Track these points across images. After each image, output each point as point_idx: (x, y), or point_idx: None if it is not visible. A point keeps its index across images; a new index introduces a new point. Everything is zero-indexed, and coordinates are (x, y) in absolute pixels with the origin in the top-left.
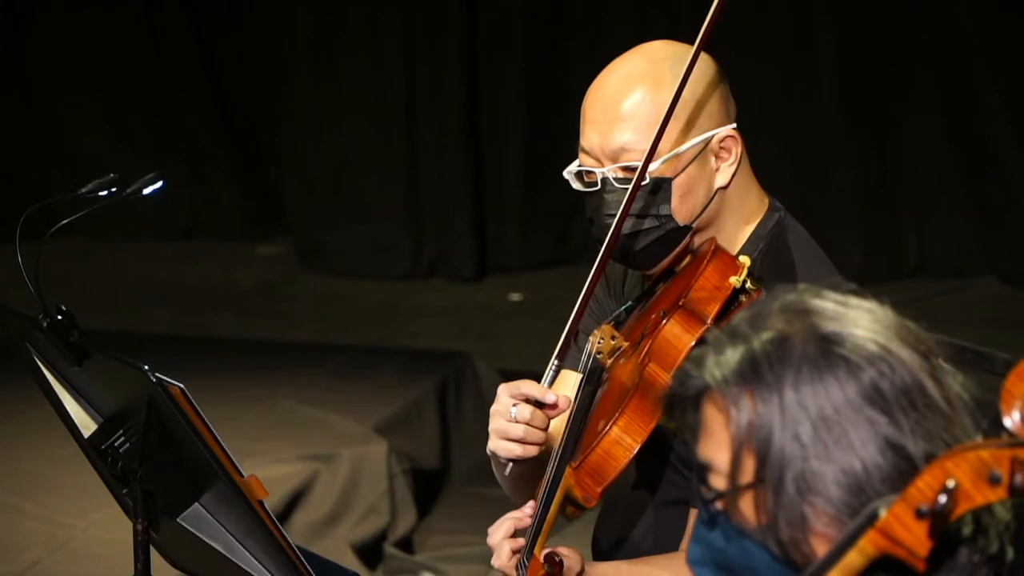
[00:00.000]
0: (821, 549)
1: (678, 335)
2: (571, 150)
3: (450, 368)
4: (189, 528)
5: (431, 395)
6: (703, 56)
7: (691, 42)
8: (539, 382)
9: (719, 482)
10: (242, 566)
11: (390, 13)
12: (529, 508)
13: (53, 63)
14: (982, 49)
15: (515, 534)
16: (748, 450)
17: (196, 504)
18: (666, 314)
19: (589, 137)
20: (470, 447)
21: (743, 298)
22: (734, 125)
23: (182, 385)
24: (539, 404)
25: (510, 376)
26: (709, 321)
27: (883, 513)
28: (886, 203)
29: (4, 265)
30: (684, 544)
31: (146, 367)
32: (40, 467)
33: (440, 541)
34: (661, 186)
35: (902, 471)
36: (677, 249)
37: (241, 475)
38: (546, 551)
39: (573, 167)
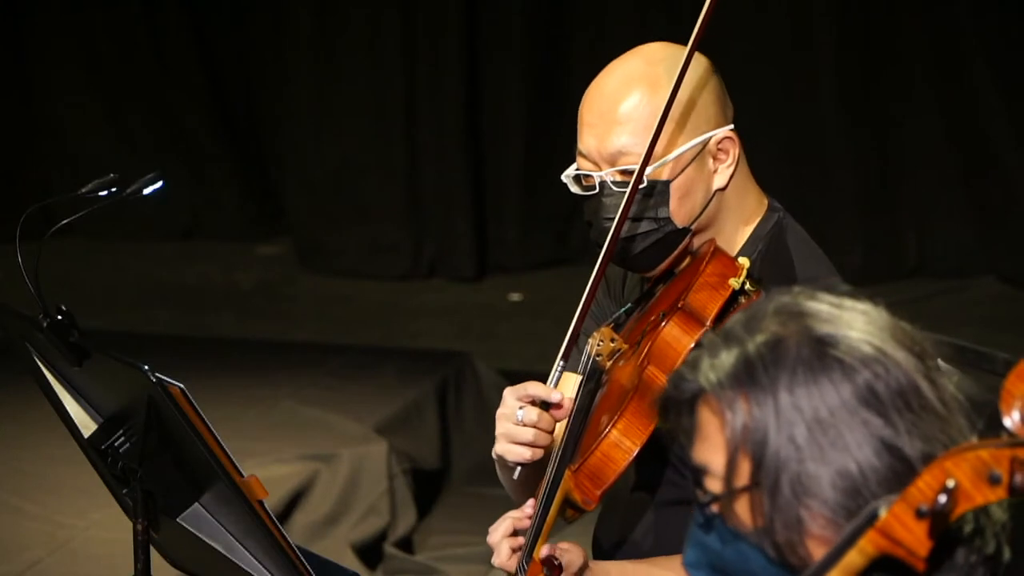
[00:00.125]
0: (817, 551)
1: (677, 337)
2: (571, 150)
3: (450, 368)
4: (189, 528)
5: (431, 395)
6: (700, 58)
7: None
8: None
9: (715, 485)
10: (242, 566)
11: (390, 13)
12: (529, 507)
13: (53, 63)
14: (982, 49)
15: (515, 533)
16: (743, 453)
17: (196, 504)
18: (665, 316)
19: (587, 141)
20: (470, 447)
21: (742, 299)
22: (732, 126)
23: (182, 385)
24: (545, 405)
25: (510, 376)
26: (708, 323)
27: (883, 513)
28: (886, 203)
29: (4, 265)
30: None
31: (146, 367)
32: (40, 467)
33: (440, 541)
34: (659, 189)
35: (898, 472)
36: (676, 251)
37: (241, 475)
38: (545, 553)
39: (571, 171)
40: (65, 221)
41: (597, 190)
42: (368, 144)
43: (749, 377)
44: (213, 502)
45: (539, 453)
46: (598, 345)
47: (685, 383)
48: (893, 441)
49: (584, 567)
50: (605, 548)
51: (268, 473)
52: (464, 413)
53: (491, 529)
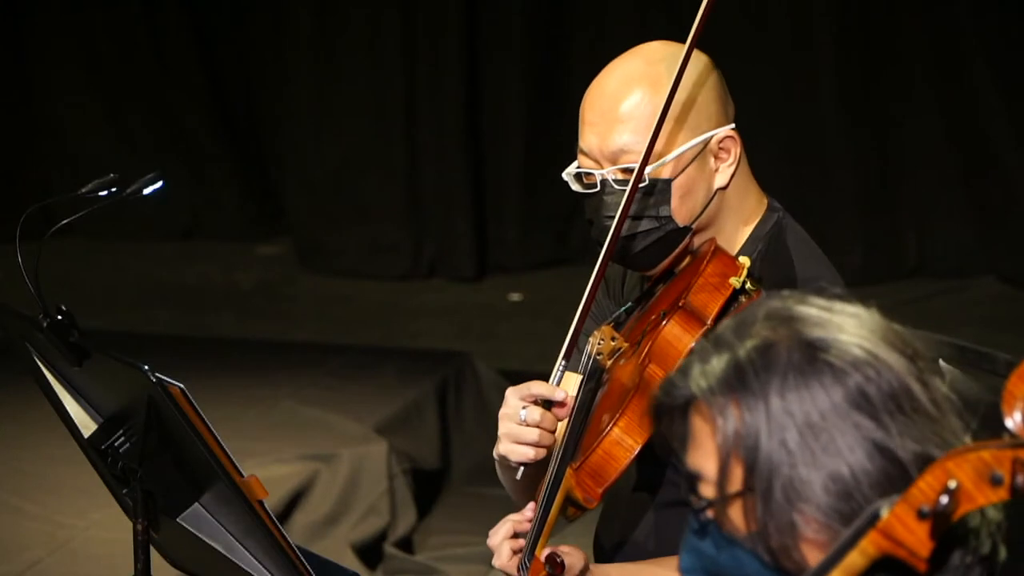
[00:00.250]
0: (811, 556)
1: (678, 336)
2: (571, 150)
3: (450, 368)
4: (189, 528)
5: (431, 395)
6: (701, 57)
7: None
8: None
9: (708, 491)
10: (242, 566)
11: (390, 13)
12: (529, 511)
13: (53, 63)
14: (982, 49)
15: (515, 536)
16: (736, 459)
17: (196, 504)
18: (666, 315)
19: (588, 139)
20: (470, 447)
21: (743, 299)
22: (733, 126)
23: (182, 385)
24: (548, 404)
25: (510, 376)
26: (709, 322)
27: (885, 514)
28: (886, 203)
29: (4, 265)
30: None
31: (146, 367)
32: (40, 467)
33: (440, 541)
34: (660, 187)
35: (891, 475)
36: (677, 250)
37: (241, 475)
38: (547, 552)
39: (572, 169)
40: (65, 221)
41: (598, 188)
42: (368, 144)
43: (740, 383)
44: (213, 502)
45: (542, 453)
46: (599, 344)
47: (676, 390)
48: (885, 444)
49: (585, 570)
50: (606, 548)
51: (268, 473)
52: (464, 413)
53: (491, 532)
